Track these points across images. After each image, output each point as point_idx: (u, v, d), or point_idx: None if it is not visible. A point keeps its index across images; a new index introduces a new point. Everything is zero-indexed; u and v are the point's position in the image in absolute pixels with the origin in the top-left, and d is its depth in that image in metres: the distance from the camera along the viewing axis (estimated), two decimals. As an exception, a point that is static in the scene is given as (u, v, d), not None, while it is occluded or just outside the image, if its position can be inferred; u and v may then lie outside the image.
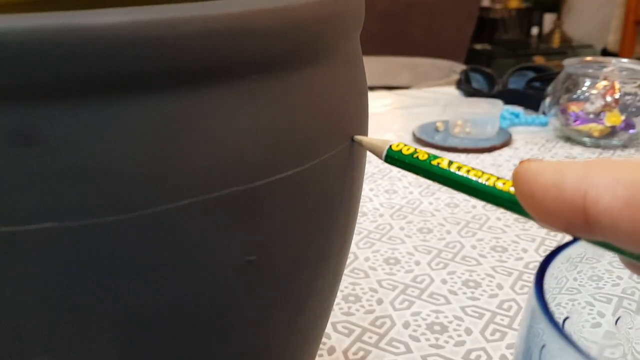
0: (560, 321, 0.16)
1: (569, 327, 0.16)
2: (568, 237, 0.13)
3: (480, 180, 0.15)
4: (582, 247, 0.14)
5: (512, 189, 0.14)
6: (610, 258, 0.15)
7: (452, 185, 0.15)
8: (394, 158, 0.17)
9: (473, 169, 0.15)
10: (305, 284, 0.19)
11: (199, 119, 0.14)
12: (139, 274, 0.14)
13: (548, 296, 0.15)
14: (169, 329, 0.15)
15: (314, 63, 0.17)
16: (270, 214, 0.15)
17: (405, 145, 0.17)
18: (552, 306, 0.15)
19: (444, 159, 0.16)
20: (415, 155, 0.16)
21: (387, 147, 0.17)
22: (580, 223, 0.11)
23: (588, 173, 0.11)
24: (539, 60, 2.60)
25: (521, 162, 0.13)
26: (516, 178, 0.13)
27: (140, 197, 0.13)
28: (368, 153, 0.20)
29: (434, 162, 0.16)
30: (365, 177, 0.56)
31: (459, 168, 0.15)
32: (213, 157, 0.14)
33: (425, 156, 0.16)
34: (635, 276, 0.16)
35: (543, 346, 0.11)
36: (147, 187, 0.13)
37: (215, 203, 0.14)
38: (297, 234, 0.17)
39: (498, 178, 0.14)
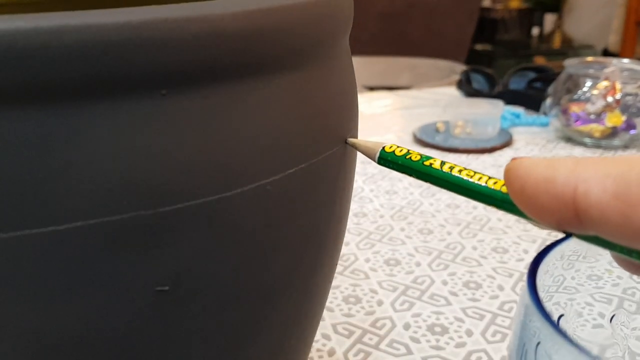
0: (555, 318, 0.16)
1: (564, 325, 0.16)
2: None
3: (472, 180, 0.15)
4: (576, 244, 0.14)
5: (504, 188, 0.14)
6: (609, 257, 0.15)
7: (445, 186, 0.15)
8: (387, 160, 0.17)
9: (465, 169, 0.15)
10: (257, 315, 0.17)
11: (90, 133, 0.12)
12: (25, 298, 0.13)
13: (544, 294, 0.14)
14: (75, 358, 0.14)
15: (292, 67, 0.16)
16: (188, 241, 0.14)
17: (398, 146, 0.17)
18: (550, 305, 0.15)
19: (437, 160, 0.16)
20: (408, 157, 0.17)
21: (380, 148, 0.17)
22: (571, 217, 0.12)
23: (578, 168, 0.11)
24: (539, 60, 2.60)
25: (512, 159, 0.13)
26: (508, 174, 0.13)
27: (15, 217, 0.12)
28: (359, 155, 0.20)
29: (427, 163, 0.16)
30: (365, 177, 0.56)
31: (451, 168, 0.15)
32: (110, 178, 0.13)
33: (418, 157, 0.16)
34: (635, 276, 0.16)
35: (538, 343, 0.11)
36: (24, 207, 0.12)
37: (111, 228, 0.13)
38: (234, 262, 0.16)
39: (490, 177, 0.14)
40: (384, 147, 0.17)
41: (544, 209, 0.12)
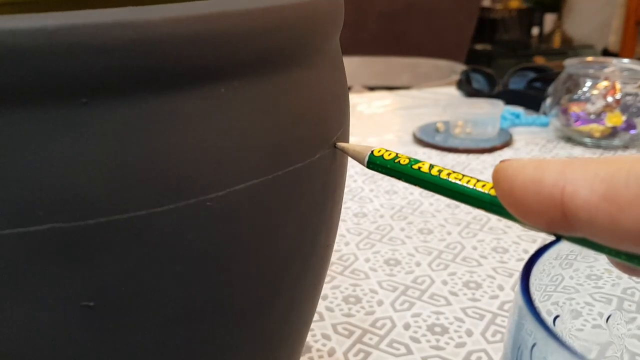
0: (551, 319, 0.16)
1: (559, 326, 0.16)
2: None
3: (460, 183, 0.15)
4: (571, 245, 0.14)
5: (492, 191, 0.14)
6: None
7: (434, 189, 0.15)
8: (375, 164, 0.17)
9: (454, 172, 0.15)
10: (221, 333, 0.16)
11: (4, 141, 0.12)
12: None
13: (541, 293, 0.14)
14: None
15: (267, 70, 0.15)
16: (113, 256, 0.14)
17: (387, 150, 0.17)
18: (548, 304, 0.15)
19: (425, 163, 0.16)
20: (396, 160, 0.17)
21: (369, 152, 0.18)
22: (559, 219, 0.11)
23: (567, 169, 0.11)
24: (539, 60, 2.60)
25: (501, 161, 0.13)
26: (496, 176, 0.13)
27: None
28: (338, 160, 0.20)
29: (415, 167, 0.16)
30: (365, 178, 0.56)
31: (439, 171, 0.15)
32: (25, 187, 0.12)
33: (407, 161, 0.16)
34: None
35: (534, 345, 0.11)
36: None
37: (27, 238, 0.13)
38: (174, 279, 0.15)
39: (478, 180, 0.15)
40: (372, 151, 0.17)
41: (532, 211, 0.12)
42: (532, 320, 0.11)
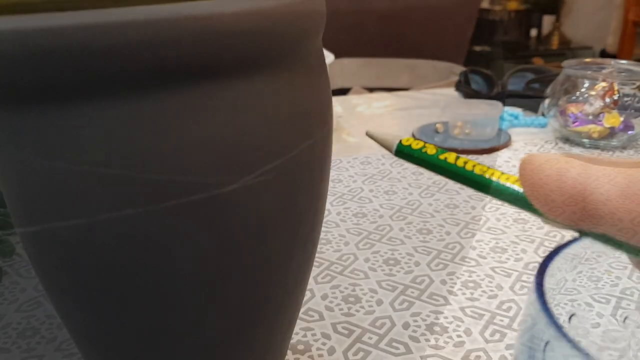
0: (567, 318, 0.16)
1: (576, 324, 0.16)
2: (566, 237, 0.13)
3: (485, 176, 0.15)
4: (580, 247, 0.14)
5: (517, 184, 0.14)
6: (609, 259, 0.15)
7: (458, 180, 0.16)
8: (403, 152, 0.18)
9: (479, 164, 0.16)
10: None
11: None
12: None
13: (548, 296, 0.15)
14: None
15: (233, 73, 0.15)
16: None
17: (415, 140, 0.18)
18: (552, 306, 0.15)
19: (452, 154, 0.16)
20: (424, 150, 0.17)
21: (398, 141, 0.18)
22: (581, 213, 0.12)
23: (590, 165, 0.12)
24: (538, 61, 2.61)
25: (528, 154, 0.13)
26: (522, 168, 0.13)
27: None
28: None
29: (442, 157, 0.16)
30: (365, 178, 0.56)
31: (465, 163, 0.16)
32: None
33: (434, 151, 0.17)
34: (634, 277, 0.16)
35: (547, 343, 0.11)
36: None
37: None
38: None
39: (502, 173, 0.15)
40: (401, 140, 0.18)
41: (555, 204, 0.12)
42: (547, 323, 0.11)
